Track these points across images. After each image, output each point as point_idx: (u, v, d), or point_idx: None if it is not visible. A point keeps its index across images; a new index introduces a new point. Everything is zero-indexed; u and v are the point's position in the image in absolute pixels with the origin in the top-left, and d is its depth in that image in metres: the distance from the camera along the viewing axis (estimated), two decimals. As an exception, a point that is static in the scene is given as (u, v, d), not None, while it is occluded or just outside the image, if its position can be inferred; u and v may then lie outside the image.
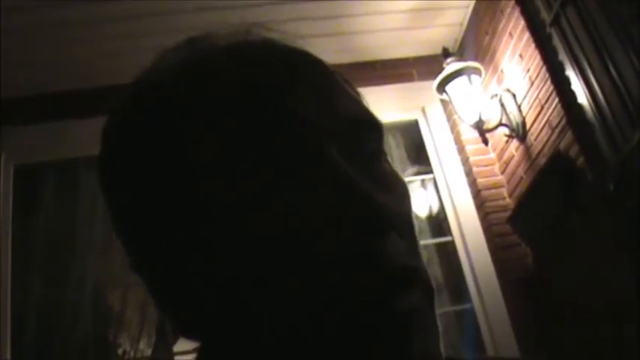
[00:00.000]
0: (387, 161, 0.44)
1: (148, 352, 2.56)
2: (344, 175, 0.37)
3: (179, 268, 0.40)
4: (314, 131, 0.38)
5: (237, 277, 0.36)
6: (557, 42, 2.18)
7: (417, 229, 0.42)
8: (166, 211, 0.40)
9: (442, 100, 2.94)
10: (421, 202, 3.03)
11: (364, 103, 0.45)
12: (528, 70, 2.47)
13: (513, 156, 2.69)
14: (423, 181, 3.05)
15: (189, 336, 0.43)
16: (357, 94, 0.45)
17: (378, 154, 0.43)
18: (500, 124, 2.68)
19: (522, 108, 2.57)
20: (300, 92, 0.40)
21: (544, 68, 2.33)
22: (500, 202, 2.79)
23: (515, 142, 2.66)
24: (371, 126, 0.43)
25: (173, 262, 0.40)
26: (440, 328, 0.40)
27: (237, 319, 0.37)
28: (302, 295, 0.35)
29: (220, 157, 0.38)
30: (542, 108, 2.40)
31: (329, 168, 0.37)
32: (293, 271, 0.35)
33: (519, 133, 2.59)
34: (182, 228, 0.39)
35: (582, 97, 2.07)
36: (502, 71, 2.70)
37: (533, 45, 2.38)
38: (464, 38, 3.06)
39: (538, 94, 2.42)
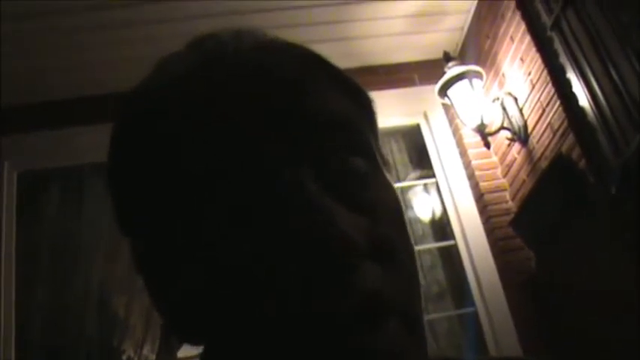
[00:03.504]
0: (378, 174, 0.43)
1: (152, 357, 2.56)
2: (311, 198, 0.37)
3: (180, 272, 0.40)
4: (299, 152, 0.39)
5: (238, 279, 0.37)
6: (557, 45, 2.18)
7: (404, 247, 0.41)
8: (169, 215, 0.40)
9: (444, 105, 2.94)
10: (424, 206, 3.04)
11: (366, 112, 0.46)
12: (529, 74, 2.48)
13: (515, 159, 2.70)
14: (425, 185, 3.05)
15: (189, 340, 0.43)
16: (365, 101, 0.47)
17: (366, 168, 0.42)
18: (502, 128, 2.69)
19: (524, 111, 2.57)
20: (304, 108, 0.40)
21: (545, 71, 2.33)
22: (503, 206, 2.79)
23: (517, 146, 2.67)
24: (357, 137, 0.43)
25: (174, 264, 0.41)
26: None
27: (237, 322, 0.37)
28: (300, 297, 0.35)
29: (223, 166, 0.38)
30: (543, 111, 2.41)
31: (301, 190, 0.37)
32: (289, 277, 0.36)
33: (521, 136, 2.59)
34: (183, 231, 0.39)
35: (583, 99, 2.07)
36: (503, 75, 2.71)
37: (534, 48, 2.39)
38: (465, 42, 3.06)
39: (539, 98, 2.42)
